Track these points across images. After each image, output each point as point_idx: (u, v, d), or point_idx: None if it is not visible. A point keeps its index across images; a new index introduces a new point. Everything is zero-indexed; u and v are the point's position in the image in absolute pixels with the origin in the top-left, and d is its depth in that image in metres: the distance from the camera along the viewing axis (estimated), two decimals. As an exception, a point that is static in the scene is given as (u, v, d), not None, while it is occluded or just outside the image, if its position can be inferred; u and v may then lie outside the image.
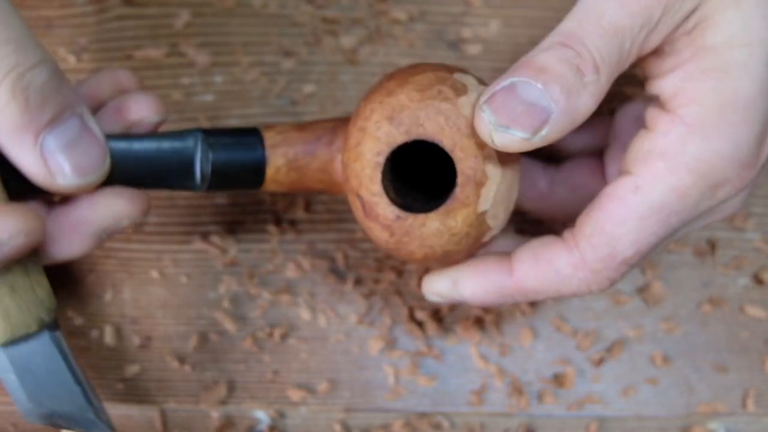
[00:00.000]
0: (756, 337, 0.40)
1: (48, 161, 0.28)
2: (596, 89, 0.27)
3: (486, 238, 0.31)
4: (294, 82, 0.42)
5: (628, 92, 0.40)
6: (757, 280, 0.40)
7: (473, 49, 0.42)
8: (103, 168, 0.30)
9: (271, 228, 0.40)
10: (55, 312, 0.31)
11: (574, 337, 0.40)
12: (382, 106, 0.30)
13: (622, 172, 0.29)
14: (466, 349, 0.39)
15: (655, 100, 0.30)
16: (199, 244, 0.40)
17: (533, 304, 0.40)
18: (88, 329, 0.39)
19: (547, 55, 0.27)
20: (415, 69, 0.31)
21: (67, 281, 0.40)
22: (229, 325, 0.39)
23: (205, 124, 0.41)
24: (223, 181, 0.32)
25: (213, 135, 0.32)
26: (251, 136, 0.33)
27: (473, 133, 0.29)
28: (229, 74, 0.42)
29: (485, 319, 0.40)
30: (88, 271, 0.40)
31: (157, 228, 0.40)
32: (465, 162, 0.29)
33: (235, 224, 0.40)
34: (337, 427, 0.39)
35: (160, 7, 0.42)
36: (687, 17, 0.28)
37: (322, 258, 0.40)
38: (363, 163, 0.30)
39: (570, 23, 0.28)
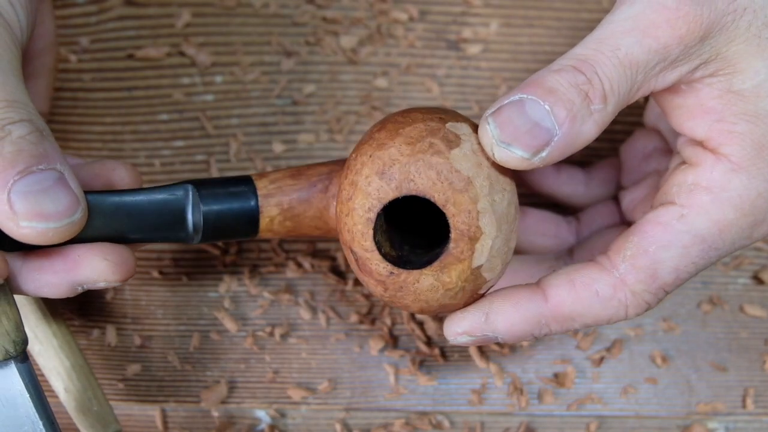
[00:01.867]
0: (755, 337, 0.40)
1: (13, 204, 0.28)
2: (601, 118, 0.28)
3: (483, 290, 0.30)
4: (294, 82, 0.42)
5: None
6: (757, 279, 0.40)
7: (473, 49, 0.42)
8: (71, 219, 0.28)
9: (272, 228, 0.40)
10: (23, 344, 0.31)
11: (574, 336, 0.40)
12: (372, 160, 0.29)
13: (663, 204, 0.30)
14: (466, 349, 0.40)
15: (688, 140, 0.30)
16: (199, 244, 0.40)
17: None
18: (89, 329, 0.39)
19: (558, 77, 0.27)
20: (405, 118, 0.30)
21: (67, 281, 0.40)
22: (229, 325, 0.39)
23: (206, 123, 0.41)
24: (216, 233, 0.32)
25: (204, 186, 0.32)
26: (243, 185, 0.32)
27: (467, 188, 0.28)
28: (230, 74, 0.42)
29: (485, 318, 0.40)
30: (88, 270, 0.40)
31: (158, 228, 0.40)
32: (458, 217, 0.28)
33: (235, 224, 0.40)
34: (338, 427, 0.39)
35: (160, 7, 0.42)
36: (707, 61, 0.28)
37: (322, 258, 0.40)
38: (355, 218, 0.29)
39: (586, 49, 0.28)
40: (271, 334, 0.39)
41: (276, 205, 0.32)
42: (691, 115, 0.29)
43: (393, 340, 0.39)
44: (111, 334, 0.39)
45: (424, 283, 0.29)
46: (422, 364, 0.39)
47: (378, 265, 0.29)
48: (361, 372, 0.39)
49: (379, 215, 0.29)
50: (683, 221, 0.29)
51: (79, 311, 0.40)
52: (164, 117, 0.41)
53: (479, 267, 0.29)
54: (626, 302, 0.29)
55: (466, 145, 0.29)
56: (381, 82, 0.42)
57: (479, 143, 0.29)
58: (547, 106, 0.27)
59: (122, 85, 0.42)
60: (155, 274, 0.40)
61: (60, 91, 0.41)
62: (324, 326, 0.40)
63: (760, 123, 0.28)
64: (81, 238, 0.30)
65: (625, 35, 0.27)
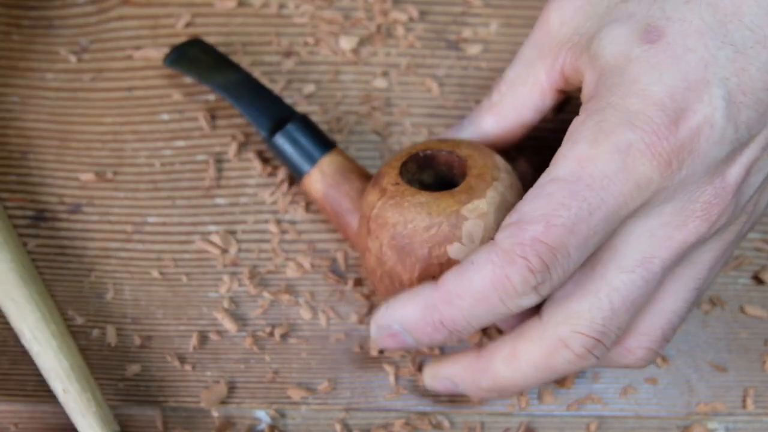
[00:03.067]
0: (756, 337, 0.40)
1: None
2: None
3: (450, 252, 0.31)
4: (294, 82, 0.42)
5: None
6: (757, 279, 0.40)
7: (473, 49, 0.42)
8: None
9: (271, 228, 0.40)
10: None
11: (574, 336, 0.40)
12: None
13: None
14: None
15: None
16: (199, 244, 0.40)
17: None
18: (89, 329, 0.40)
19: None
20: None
21: (68, 281, 0.40)
22: (229, 325, 0.39)
23: (205, 124, 0.41)
24: (286, 141, 0.37)
25: (304, 120, 0.38)
26: (328, 141, 0.38)
27: (492, 177, 0.32)
28: (230, 74, 0.42)
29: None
30: (88, 271, 0.40)
31: (157, 228, 0.40)
32: (474, 173, 0.33)
33: (235, 224, 0.40)
34: (338, 427, 0.39)
35: (160, 7, 0.42)
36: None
37: (322, 258, 0.40)
38: (392, 162, 0.34)
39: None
40: (271, 334, 0.39)
41: (333, 167, 0.37)
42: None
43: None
44: (111, 334, 0.39)
45: (419, 199, 0.32)
46: (423, 364, 0.39)
47: (391, 177, 0.33)
48: (361, 372, 0.39)
49: (412, 160, 0.34)
50: (546, 172, 0.29)
51: (79, 311, 0.40)
52: (164, 117, 0.41)
53: (465, 217, 0.31)
54: (499, 261, 0.28)
55: (502, 183, 0.33)
56: (381, 82, 0.42)
57: (510, 188, 0.33)
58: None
59: (122, 85, 0.42)
60: (155, 274, 0.40)
61: (60, 91, 0.41)
62: (324, 326, 0.40)
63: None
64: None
65: None
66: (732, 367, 0.40)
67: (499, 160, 0.34)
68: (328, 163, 0.37)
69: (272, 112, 0.38)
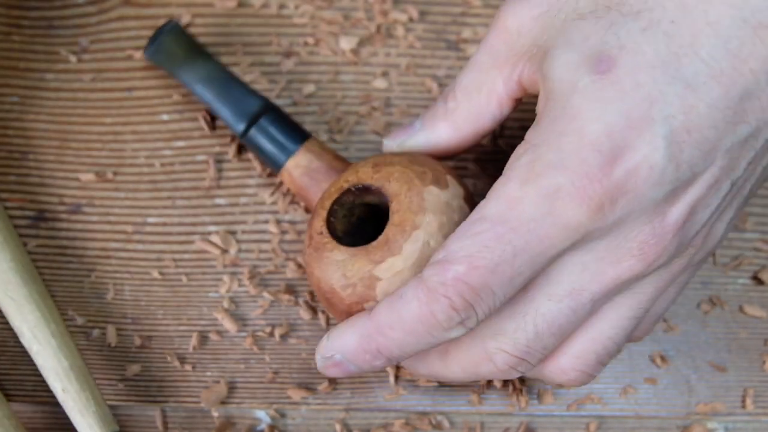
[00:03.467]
0: (755, 337, 0.40)
1: None
2: None
3: (367, 305, 0.32)
4: (294, 82, 0.42)
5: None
6: (757, 280, 0.40)
7: (473, 50, 0.42)
8: None
9: (271, 228, 0.40)
10: None
11: (573, 336, 0.40)
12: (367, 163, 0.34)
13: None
14: (466, 349, 0.40)
15: None
16: (199, 244, 0.40)
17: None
18: (89, 329, 0.40)
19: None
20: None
21: (68, 281, 0.40)
22: (229, 325, 0.39)
23: (205, 125, 0.41)
24: (258, 134, 0.37)
25: (275, 111, 0.38)
26: (302, 132, 0.38)
27: (419, 211, 0.32)
28: (230, 74, 0.42)
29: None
30: (88, 271, 0.40)
31: (157, 228, 0.40)
32: (394, 223, 0.32)
33: (235, 224, 0.40)
34: (338, 427, 0.39)
35: (160, 8, 0.42)
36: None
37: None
38: (331, 189, 0.35)
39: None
40: (271, 334, 0.39)
41: (307, 159, 0.37)
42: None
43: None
44: (111, 335, 0.39)
45: (336, 256, 0.32)
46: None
47: (318, 222, 0.33)
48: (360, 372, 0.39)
49: (346, 194, 0.34)
50: (479, 207, 0.29)
51: (79, 311, 0.40)
52: (164, 117, 0.41)
53: (378, 279, 0.31)
54: (424, 298, 0.28)
55: (449, 193, 0.32)
56: (381, 83, 0.42)
57: (462, 204, 0.32)
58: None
59: (122, 85, 0.42)
60: (155, 274, 0.40)
61: (60, 91, 0.41)
62: (324, 326, 0.40)
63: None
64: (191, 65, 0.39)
65: None
66: (732, 367, 0.40)
67: (431, 196, 0.32)
68: (303, 154, 0.37)
69: (245, 108, 0.38)
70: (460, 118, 0.33)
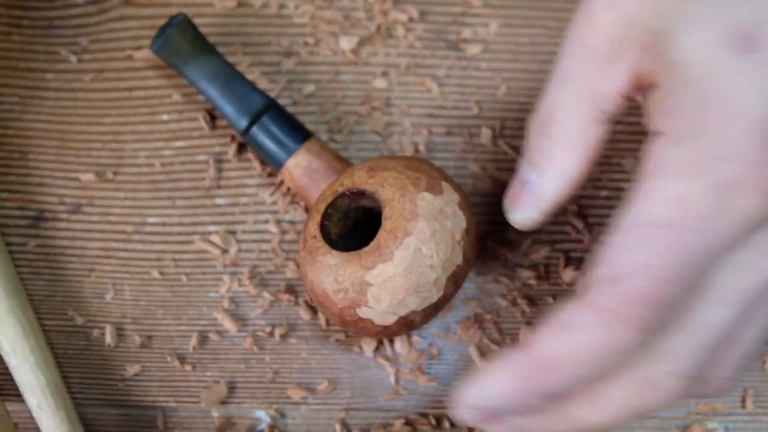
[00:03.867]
0: (755, 337, 0.40)
1: None
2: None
3: (361, 313, 0.32)
4: (294, 82, 0.42)
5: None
6: (757, 279, 0.40)
7: (473, 49, 0.42)
8: None
9: (271, 228, 0.40)
10: None
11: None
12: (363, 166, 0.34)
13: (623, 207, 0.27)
14: (466, 349, 0.40)
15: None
16: (199, 244, 0.40)
17: (533, 303, 0.40)
18: (88, 329, 0.40)
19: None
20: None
21: (68, 281, 0.40)
22: (229, 325, 0.39)
23: (205, 125, 0.41)
24: (260, 132, 0.37)
25: (278, 109, 0.38)
26: (303, 131, 0.38)
27: (412, 217, 0.31)
28: (230, 74, 0.42)
29: (485, 318, 0.40)
30: (88, 271, 0.40)
31: (157, 228, 0.40)
32: (386, 228, 0.32)
33: (235, 224, 0.40)
34: (338, 427, 0.39)
35: (160, 8, 0.42)
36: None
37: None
38: (326, 192, 0.34)
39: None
40: (271, 334, 0.39)
41: (307, 158, 0.37)
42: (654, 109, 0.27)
43: (393, 340, 0.40)
44: (111, 335, 0.39)
45: (328, 261, 0.32)
46: (420, 365, 0.39)
47: (313, 225, 0.33)
48: (360, 372, 0.39)
49: (341, 198, 0.34)
50: (636, 216, 0.25)
51: (79, 311, 0.40)
52: (164, 117, 0.41)
53: (369, 284, 0.31)
54: (601, 322, 0.25)
55: (443, 199, 0.32)
56: (381, 83, 0.42)
57: (456, 210, 0.32)
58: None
59: (122, 85, 0.42)
60: (155, 274, 0.40)
61: (60, 91, 0.41)
62: (324, 326, 0.40)
63: (689, 85, 0.25)
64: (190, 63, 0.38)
65: None
66: (732, 367, 0.40)
67: (424, 202, 0.31)
68: (303, 153, 0.37)
69: (248, 105, 0.38)
70: (578, 138, 0.29)
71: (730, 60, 0.25)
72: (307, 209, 0.40)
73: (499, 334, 0.40)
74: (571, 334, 0.25)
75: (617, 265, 0.25)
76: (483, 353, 0.40)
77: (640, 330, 0.25)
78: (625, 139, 0.41)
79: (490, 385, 0.27)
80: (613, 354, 0.25)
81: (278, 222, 0.40)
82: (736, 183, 0.24)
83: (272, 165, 0.38)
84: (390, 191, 0.32)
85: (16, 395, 0.38)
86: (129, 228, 0.40)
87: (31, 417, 0.38)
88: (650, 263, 0.25)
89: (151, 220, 0.40)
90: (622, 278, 0.25)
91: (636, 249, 0.25)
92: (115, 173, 0.41)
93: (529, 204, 0.30)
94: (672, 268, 0.24)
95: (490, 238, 0.40)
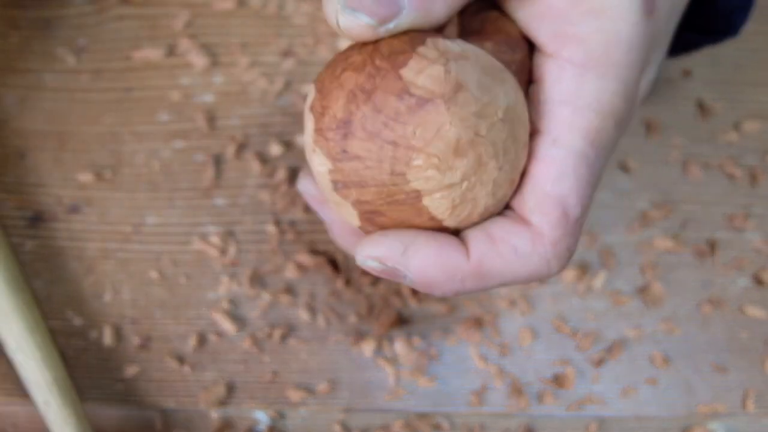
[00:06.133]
0: (756, 338, 0.40)
1: None
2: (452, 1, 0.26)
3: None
4: (293, 82, 0.42)
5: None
6: (757, 280, 0.40)
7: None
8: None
9: (271, 228, 0.40)
10: None
11: (573, 337, 0.40)
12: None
13: (532, 134, 0.28)
14: (465, 350, 0.39)
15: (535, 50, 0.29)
16: (198, 245, 0.40)
17: (533, 305, 0.40)
18: (87, 330, 0.39)
19: None
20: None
21: (66, 281, 0.40)
22: (228, 326, 0.39)
23: (204, 124, 0.41)
24: None
25: None
26: None
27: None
28: (229, 75, 0.41)
29: (485, 319, 0.40)
30: (87, 271, 0.40)
31: (157, 228, 0.40)
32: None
33: (235, 224, 0.40)
34: (337, 428, 0.38)
35: (159, 8, 0.42)
36: None
37: (322, 258, 0.40)
38: None
39: None
40: (270, 335, 0.39)
41: None
42: (538, 16, 0.27)
43: (393, 341, 0.39)
44: (109, 335, 0.39)
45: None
46: (420, 366, 0.39)
47: None
48: (360, 373, 0.39)
49: None
50: (557, 145, 0.27)
51: (77, 312, 0.39)
52: (164, 118, 0.41)
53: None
54: (547, 255, 0.27)
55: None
56: (380, 83, 0.42)
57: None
58: None
59: (121, 85, 0.41)
60: (154, 274, 0.40)
61: (58, 92, 0.41)
62: (323, 327, 0.39)
63: (606, 19, 0.27)
64: None
65: None
66: (732, 367, 0.39)
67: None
68: None
69: None
70: None
71: (637, 14, 0.27)
72: (306, 209, 0.40)
73: (498, 335, 0.40)
74: (516, 262, 0.27)
75: (559, 197, 0.27)
76: (483, 354, 0.39)
77: (570, 256, 0.27)
78: (625, 139, 0.41)
79: (418, 263, 0.27)
80: (539, 276, 0.27)
81: (277, 222, 0.40)
82: (625, 119, 0.27)
83: None
84: None
85: (22, 394, 0.38)
86: (128, 228, 0.40)
87: (32, 417, 0.38)
88: (583, 192, 0.27)
89: (149, 220, 0.40)
90: (567, 209, 0.27)
91: (571, 179, 0.27)
92: (113, 173, 0.41)
93: (380, 13, 0.26)
94: (592, 191, 0.27)
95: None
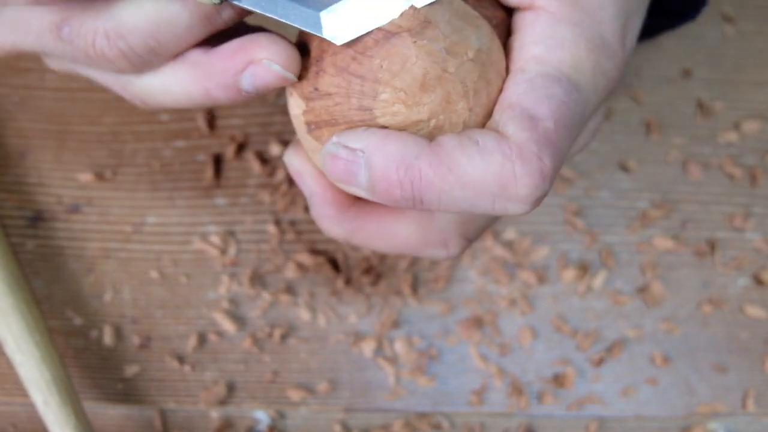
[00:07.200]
0: (756, 338, 0.40)
1: None
2: None
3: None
4: (294, 82, 0.42)
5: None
6: (757, 280, 0.40)
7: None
8: None
9: (271, 228, 0.40)
10: None
11: (574, 337, 0.40)
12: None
13: (509, 72, 0.27)
14: (465, 349, 0.39)
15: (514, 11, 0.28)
16: (198, 245, 0.40)
17: (533, 304, 0.40)
18: (87, 329, 0.39)
19: None
20: None
21: (66, 281, 0.40)
22: (228, 326, 0.39)
23: (205, 124, 0.41)
24: None
25: None
26: None
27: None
28: (229, 74, 0.41)
29: (485, 318, 0.40)
30: (87, 271, 0.40)
31: (157, 228, 0.40)
32: None
33: (235, 224, 0.40)
34: (337, 427, 0.38)
35: (159, 7, 0.42)
36: None
37: (322, 258, 0.40)
38: None
39: None
40: (271, 334, 0.39)
41: None
42: None
43: (393, 340, 0.39)
44: (110, 335, 0.39)
45: None
46: (420, 366, 0.39)
47: None
48: (360, 373, 0.39)
49: None
50: (526, 72, 0.26)
51: (78, 311, 0.39)
52: (164, 117, 0.41)
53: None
54: (512, 155, 0.24)
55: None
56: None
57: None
58: None
59: (121, 85, 0.41)
60: (154, 274, 0.40)
61: (59, 91, 0.41)
62: (323, 327, 0.39)
63: None
64: None
65: None
66: (732, 367, 0.39)
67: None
68: None
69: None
70: None
71: None
72: (306, 210, 0.40)
73: (498, 335, 0.40)
74: (476, 154, 0.24)
75: (527, 108, 0.25)
76: (483, 353, 0.39)
77: (541, 174, 0.25)
78: (625, 139, 0.41)
79: (377, 142, 0.25)
80: (502, 189, 0.25)
81: (278, 222, 0.40)
82: (604, 72, 0.27)
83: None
84: None
85: (22, 394, 0.38)
86: (128, 228, 0.40)
87: (31, 416, 0.38)
88: (556, 109, 0.25)
89: (150, 220, 0.40)
90: (537, 119, 0.25)
91: (545, 97, 0.25)
92: (114, 173, 0.41)
93: None
94: (570, 119, 0.26)
95: (489, 235, 0.40)
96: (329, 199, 0.30)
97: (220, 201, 0.41)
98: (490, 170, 0.24)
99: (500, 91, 0.26)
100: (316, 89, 0.25)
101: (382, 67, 0.24)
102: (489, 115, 0.26)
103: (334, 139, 0.25)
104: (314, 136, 0.26)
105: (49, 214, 0.40)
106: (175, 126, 0.41)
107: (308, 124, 0.26)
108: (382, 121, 0.25)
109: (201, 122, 0.41)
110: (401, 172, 0.25)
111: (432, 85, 0.24)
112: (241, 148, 0.41)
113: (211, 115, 0.41)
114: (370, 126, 0.25)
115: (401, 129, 0.25)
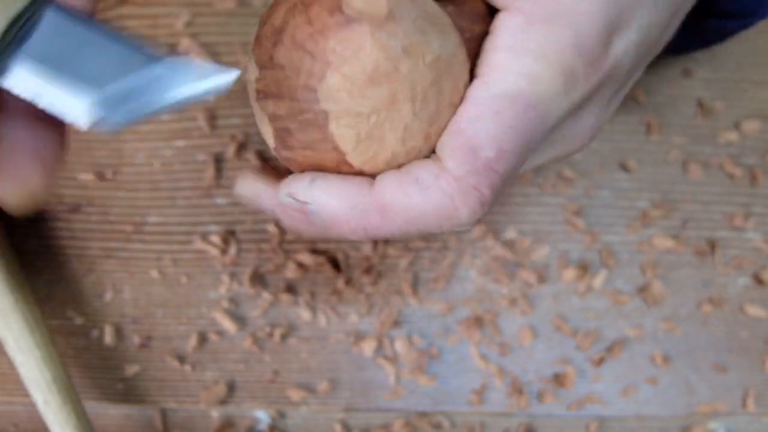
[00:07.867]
0: (756, 337, 0.40)
1: None
2: None
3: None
4: (294, 82, 0.42)
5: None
6: (757, 280, 0.40)
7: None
8: None
9: (271, 228, 0.40)
10: None
11: (574, 337, 0.40)
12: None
13: (471, 80, 0.27)
14: (466, 349, 0.39)
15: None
16: (199, 244, 0.40)
17: (533, 304, 0.40)
18: (88, 329, 0.39)
19: None
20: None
21: (67, 281, 0.40)
22: (229, 325, 0.39)
23: (205, 124, 0.41)
24: None
25: None
26: None
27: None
28: (229, 74, 0.41)
29: (485, 318, 0.40)
30: (88, 270, 0.40)
31: (157, 228, 0.40)
32: None
33: (235, 224, 0.40)
34: (338, 427, 0.38)
35: (159, 7, 0.42)
36: None
37: (322, 258, 0.40)
38: None
39: None
40: (271, 334, 0.39)
41: None
42: None
43: (393, 340, 0.39)
44: (110, 335, 0.39)
45: None
46: (421, 365, 0.39)
47: None
48: (360, 372, 0.39)
49: None
50: (486, 88, 0.26)
51: (78, 311, 0.39)
52: (164, 117, 0.41)
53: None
54: (450, 191, 0.25)
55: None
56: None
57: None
58: None
59: (122, 85, 0.42)
60: (155, 274, 0.40)
61: (59, 91, 0.41)
62: (324, 326, 0.39)
63: None
64: None
65: None
66: (732, 367, 0.39)
67: None
68: None
69: None
70: None
71: None
72: None
73: (499, 334, 0.40)
74: (417, 192, 0.26)
75: (470, 136, 0.26)
76: (483, 353, 0.39)
77: (481, 204, 0.26)
78: (624, 139, 0.41)
79: (324, 197, 0.26)
80: (447, 221, 0.26)
81: (278, 222, 0.40)
82: (575, 74, 0.26)
83: None
84: None
85: (22, 393, 0.38)
86: (128, 228, 0.40)
87: (32, 416, 0.38)
88: (501, 135, 0.25)
89: (150, 219, 0.40)
90: (476, 149, 0.25)
91: (488, 120, 0.25)
92: (114, 173, 0.41)
93: None
94: (518, 142, 0.26)
95: (489, 235, 0.40)
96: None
97: (221, 200, 0.41)
98: (430, 205, 0.26)
99: (453, 103, 0.26)
100: (271, 58, 0.25)
101: (335, 50, 0.24)
102: (434, 123, 0.26)
103: (284, 190, 0.27)
104: (261, 105, 0.26)
105: (49, 213, 0.40)
106: (176, 126, 0.41)
107: (258, 92, 0.26)
108: (323, 105, 0.25)
109: (202, 122, 0.41)
110: (352, 223, 0.26)
111: (380, 80, 0.24)
112: (241, 147, 0.41)
113: (212, 115, 0.41)
114: (310, 108, 0.25)
115: (341, 117, 0.25)
